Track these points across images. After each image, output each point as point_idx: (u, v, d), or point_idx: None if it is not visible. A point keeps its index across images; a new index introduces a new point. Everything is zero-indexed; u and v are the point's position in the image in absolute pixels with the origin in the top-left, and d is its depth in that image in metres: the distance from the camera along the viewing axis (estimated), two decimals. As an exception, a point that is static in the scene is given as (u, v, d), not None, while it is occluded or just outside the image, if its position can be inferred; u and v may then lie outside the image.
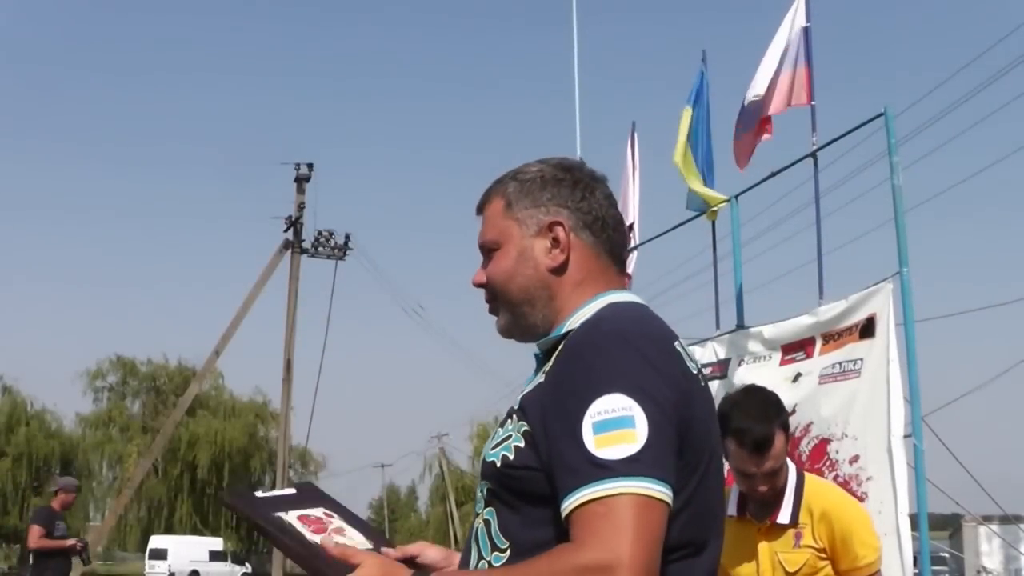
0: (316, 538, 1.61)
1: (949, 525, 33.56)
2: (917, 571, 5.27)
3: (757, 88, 6.55)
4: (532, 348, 1.75)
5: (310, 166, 25.61)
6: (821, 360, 5.61)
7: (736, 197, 6.91)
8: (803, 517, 3.10)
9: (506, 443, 1.57)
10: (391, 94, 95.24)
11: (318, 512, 1.72)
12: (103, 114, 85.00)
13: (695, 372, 1.59)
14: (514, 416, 1.59)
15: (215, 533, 46.42)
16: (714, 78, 7.52)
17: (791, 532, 3.12)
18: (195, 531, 46.19)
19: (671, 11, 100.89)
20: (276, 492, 1.75)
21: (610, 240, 1.72)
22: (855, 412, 5.26)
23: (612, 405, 1.44)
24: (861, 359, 5.30)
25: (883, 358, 5.16)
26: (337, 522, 1.71)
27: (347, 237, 26.34)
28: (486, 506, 1.59)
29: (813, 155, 6.34)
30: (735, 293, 6.86)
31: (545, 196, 1.71)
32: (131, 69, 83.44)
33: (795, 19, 6.60)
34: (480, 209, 1.79)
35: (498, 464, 1.56)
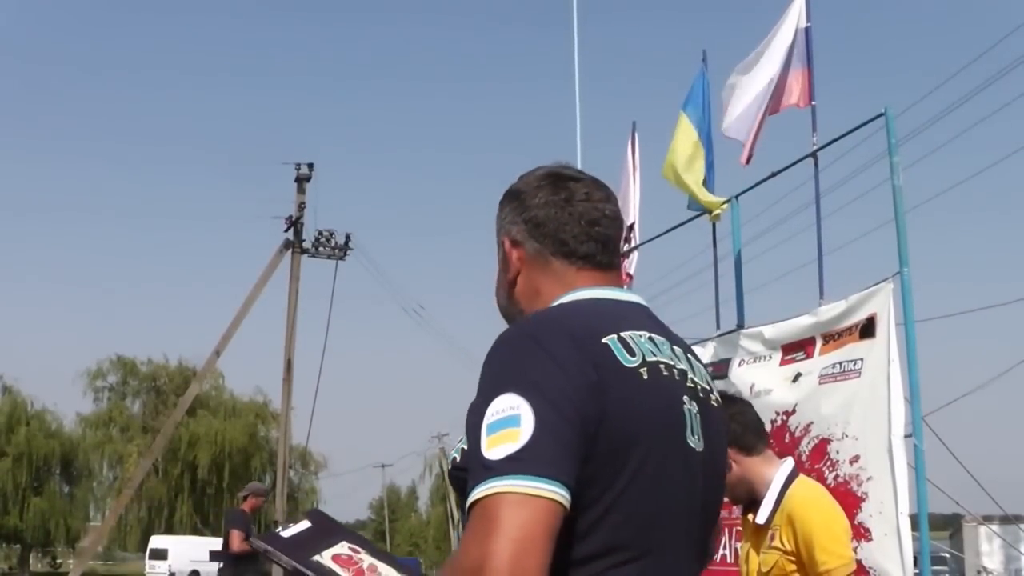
0: None
1: (949, 525, 33.56)
2: (917, 571, 5.28)
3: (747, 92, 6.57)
4: None
5: (310, 166, 25.57)
6: (821, 360, 5.61)
7: (736, 197, 6.91)
8: (778, 519, 3.14)
9: (457, 446, 1.64)
10: (391, 94, 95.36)
11: (345, 549, 1.71)
12: (103, 114, 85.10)
13: (634, 366, 1.54)
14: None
15: (215, 533, 46.28)
16: (714, 78, 7.53)
17: (768, 533, 3.17)
18: (195, 531, 46.17)
19: (671, 11, 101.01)
20: (294, 529, 1.74)
21: (554, 240, 1.70)
22: (855, 412, 5.26)
23: (503, 405, 1.43)
24: (861, 359, 5.31)
25: (883, 358, 5.16)
26: (366, 558, 1.71)
27: (347, 237, 26.34)
28: (459, 506, 1.63)
29: (813, 155, 6.35)
30: (735, 293, 6.86)
31: (502, 216, 1.75)
32: (131, 69, 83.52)
33: (796, 20, 6.61)
34: None
35: (449, 467, 1.65)
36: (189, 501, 46.42)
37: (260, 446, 47.42)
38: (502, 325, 1.79)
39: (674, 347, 1.66)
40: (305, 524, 1.74)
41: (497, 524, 1.35)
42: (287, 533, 1.72)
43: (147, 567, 43.86)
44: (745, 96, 6.71)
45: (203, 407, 45.62)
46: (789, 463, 3.30)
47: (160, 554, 43.31)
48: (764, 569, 3.16)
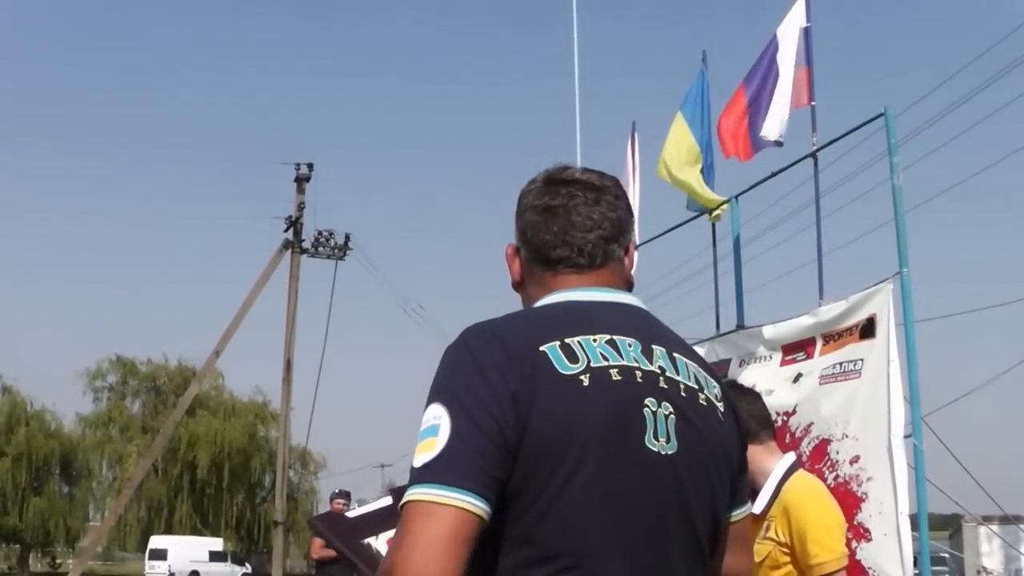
0: None
1: (949, 525, 33.58)
2: (917, 571, 5.27)
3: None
4: None
5: (310, 166, 25.60)
6: (822, 360, 5.60)
7: (736, 197, 6.91)
8: (774, 510, 3.14)
9: None
10: (391, 94, 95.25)
11: None
12: (103, 114, 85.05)
13: (572, 373, 1.53)
14: None
15: (215, 533, 46.40)
16: (714, 78, 7.52)
17: (764, 523, 3.16)
18: (195, 531, 46.18)
19: (671, 11, 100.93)
20: (368, 508, 1.75)
21: (532, 247, 1.76)
22: (855, 412, 5.26)
23: (429, 415, 1.50)
24: (862, 359, 5.30)
25: (883, 358, 5.15)
26: None
27: (347, 237, 26.39)
28: None
29: (813, 155, 6.35)
30: (735, 293, 6.86)
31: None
32: (131, 69, 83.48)
33: (796, 20, 6.61)
34: None
35: None
36: (189, 501, 46.41)
37: (260, 446, 47.40)
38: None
39: (652, 348, 1.64)
40: (385, 502, 1.75)
41: (406, 532, 1.42)
42: (357, 512, 1.74)
43: (147, 567, 43.83)
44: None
45: (203, 407, 45.60)
46: (790, 457, 3.30)
47: (160, 554, 43.31)
48: (758, 559, 3.15)
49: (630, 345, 1.61)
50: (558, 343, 1.56)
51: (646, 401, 1.57)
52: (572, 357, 1.55)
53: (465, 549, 1.41)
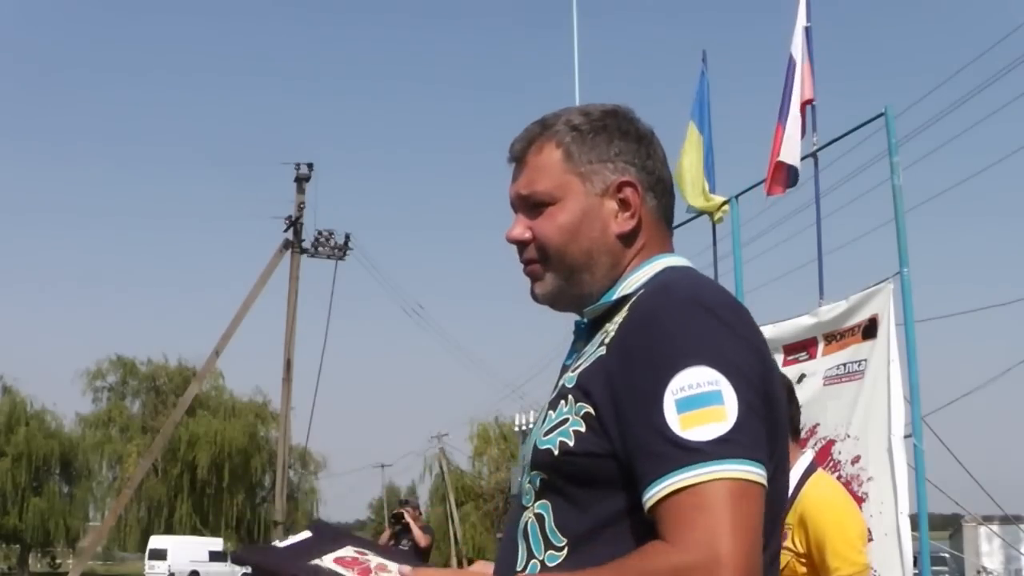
0: None
1: (949, 525, 33.57)
2: (917, 571, 5.28)
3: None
4: (554, 327, 1.64)
5: (310, 166, 25.60)
6: (825, 361, 5.60)
7: (736, 197, 6.92)
8: (790, 518, 3.02)
9: (563, 428, 1.38)
10: (391, 94, 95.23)
11: (350, 552, 1.59)
12: (102, 114, 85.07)
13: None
14: (569, 397, 1.40)
15: (215, 533, 46.36)
16: (714, 78, 7.54)
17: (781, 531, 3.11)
18: (195, 531, 46.14)
19: (671, 11, 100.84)
20: (294, 539, 1.67)
21: (668, 205, 1.55)
22: (857, 413, 5.26)
23: (697, 379, 1.28)
24: (865, 360, 5.30)
25: (884, 358, 5.16)
26: (374, 558, 1.57)
27: (347, 237, 26.37)
28: (537, 499, 1.42)
29: (813, 155, 6.35)
30: (735, 293, 6.85)
31: (613, 151, 1.49)
32: (131, 69, 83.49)
33: (797, 21, 6.61)
34: (520, 155, 1.54)
35: (555, 452, 1.38)
36: (189, 501, 46.39)
37: (260, 446, 47.39)
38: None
39: None
40: (306, 534, 1.68)
41: (725, 517, 1.22)
42: (286, 543, 1.64)
43: (146, 567, 43.80)
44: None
45: (203, 407, 45.59)
46: (807, 457, 3.21)
47: (159, 554, 43.25)
48: None
49: None
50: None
51: None
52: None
53: None
